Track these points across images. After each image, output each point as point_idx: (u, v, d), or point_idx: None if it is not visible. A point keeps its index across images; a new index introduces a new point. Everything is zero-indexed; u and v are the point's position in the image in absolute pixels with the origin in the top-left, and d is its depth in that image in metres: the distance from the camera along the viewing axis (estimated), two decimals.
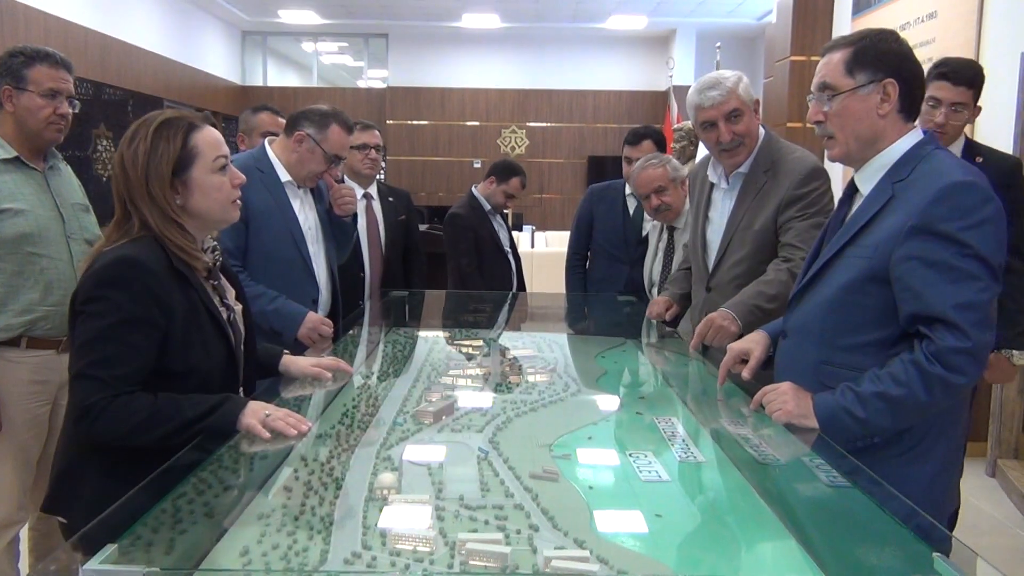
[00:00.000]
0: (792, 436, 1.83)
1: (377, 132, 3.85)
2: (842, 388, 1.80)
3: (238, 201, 1.91)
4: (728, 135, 2.68)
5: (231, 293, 1.99)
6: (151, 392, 1.72)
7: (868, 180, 1.91)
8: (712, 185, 2.87)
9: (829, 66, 1.91)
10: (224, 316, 1.89)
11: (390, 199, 3.97)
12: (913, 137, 1.87)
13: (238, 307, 2.00)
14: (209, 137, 1.83)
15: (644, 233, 3.95)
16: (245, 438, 1.78)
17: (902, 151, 1.86)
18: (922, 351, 1.71)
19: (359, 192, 3.81)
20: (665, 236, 3.51)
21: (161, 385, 1.74)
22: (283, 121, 3.42)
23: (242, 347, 1.97)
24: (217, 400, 1.75)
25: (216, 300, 1.89)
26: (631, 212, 4.03)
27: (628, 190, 4.04)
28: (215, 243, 1.95)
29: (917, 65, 1.89)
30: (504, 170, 4.37)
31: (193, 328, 1.79)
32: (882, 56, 1.85)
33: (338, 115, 2.95)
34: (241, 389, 1.98)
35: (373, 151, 3.77)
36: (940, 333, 1.69)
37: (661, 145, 4.03)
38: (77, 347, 1.70)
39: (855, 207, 1.95)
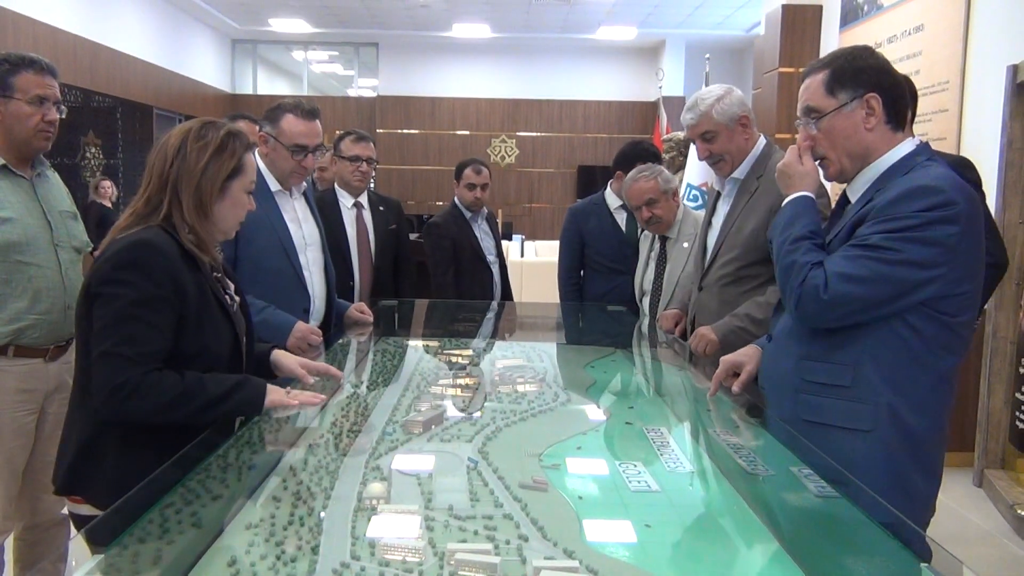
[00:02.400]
0: (782, 446, 1.84)
1: (372, 145, 3.80)
2: (813, 219, 1.97)
3: (240, 224, 2.03)
4: (703, 153, 2.82)
5: (232, 288, 2.08)
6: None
7: (858, 191, 1.93)
8: (719, 193, 2.91)
9: (810, 90, 1.95)
10: (229, 304, 1.98)
11: (381, 208, 3.96)
12: (905, 147, 1.89)
13: (238, 299, 2.08)
14: (252, 161, 2.00)
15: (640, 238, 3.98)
16: (233, 447, 1.78)
17: (891, 161, 1.88)
18: (820, 273, 1.81)
19: (349, 201, 3.80)
20: (657, 246, 3.53)
21: (173, 367, 1.80)
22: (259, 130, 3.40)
23: (244, 337, 2.05)
24: (237, 380, 1.85)
25: (220, 289, 1.98)
26: (623, 225, 4.05)
27: (615, 203, 4.06)
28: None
29: (896, 76, 1.91)
30: (457, 169, 4.41)
31: (204, 312, 1.86)
32: (860, 72, 1.89)
33: (291, 105, 2.89)
34: None
35: (364, 164, 3.75)
36: (820, 272, 1.82)
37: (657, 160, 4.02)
38: (100, 327, 1.74)
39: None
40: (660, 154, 4.20)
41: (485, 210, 4.51)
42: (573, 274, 4.23)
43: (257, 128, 3.41)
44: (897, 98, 1.89)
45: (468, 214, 4.38)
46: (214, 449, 1.74)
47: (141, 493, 1.47)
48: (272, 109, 2.90)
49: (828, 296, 1.78)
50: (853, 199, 1.95)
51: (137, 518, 1.40)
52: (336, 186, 3.84)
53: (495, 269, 4.47)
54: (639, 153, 4.00)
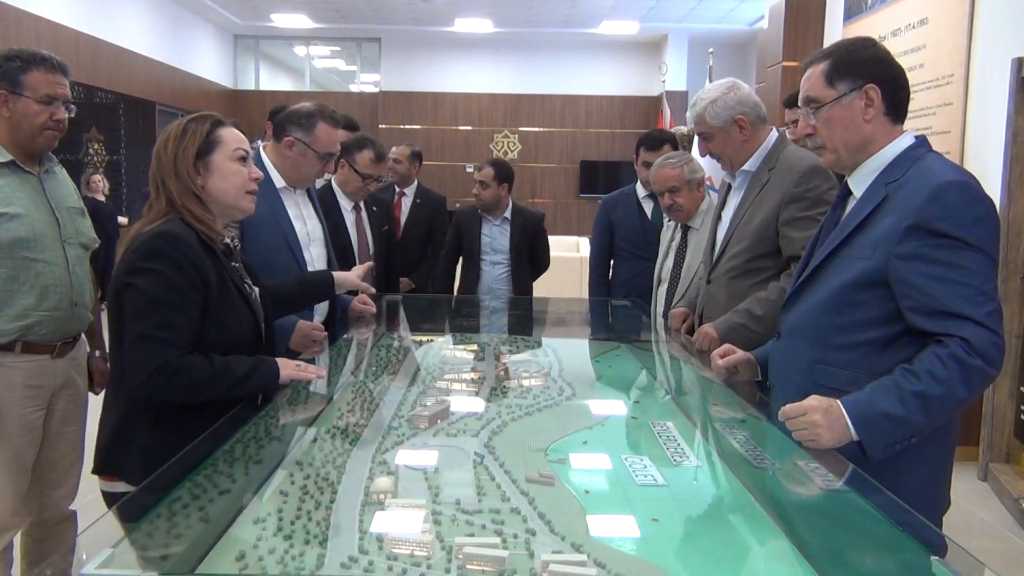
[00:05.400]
0: (788, 439, 1.84)
1: (386, 164, 3.84)
2: (875, 389, 1.74)
3: (253, 194, 2.14)
4: (703, 150, 2.86)
5: (250, 279, 2.20)
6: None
7: (861, 183, 1.93)
8: (729, 186, 2.91)
9: (811, 80, 1.95)
10: (247, 291, 2.13)
11: (374, 208, 4.00)
12: (905, 140, 1.90)
13: (256, 290, 2.20)
14: (233, 132, 2.12)
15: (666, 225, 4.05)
16: (240, 442, 1.79)
17: (895, 153, 1.88)
18: (959, 346, 1.69)
19: (348, 203, 3.81)
20: (678, 235, 3.53)
21: (198, 351, 1.94)
22: None
23: (263, 325, 2.18)
24: (253, 360, 2.03)
25: (239, 278, 2.12)
26: (649, 213, 4.14)
27: (642, 193, 4.12)
28: (235, 233, 2.21)
29: (896, 67, 1.91)
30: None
31: (224, 298, 2.01)
32: (859, 63, 1.89)
33: (323, 112, 2.91)
34: None
35: (374, 183, 3.77)
36: (970, 329, 1.69)
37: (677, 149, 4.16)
38: (134, 313, 1.89)
39: (849, 209, 1.97)
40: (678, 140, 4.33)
41: (508, 213, 4.63)
42: (601, 263, 4.37)
43: None
44: (897, 90, 1.89)
45: (482, 211, 4.60)
46: (226, 440, 1.77)
47: (148, 489, 1.47)
48: (305, 115, 2.87)
49: (1001, 334, 1.71)
50: (856, 191, 1.94)
51: (143, 515, 1.41)
52: (334, 185, 3.84)
53: (487, 267, 4.60)
54: (658, 138, 4.15)
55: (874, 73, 1.88)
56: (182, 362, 1.88)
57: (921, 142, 1.90)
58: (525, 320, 4.23)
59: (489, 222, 4.59)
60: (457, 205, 4.88)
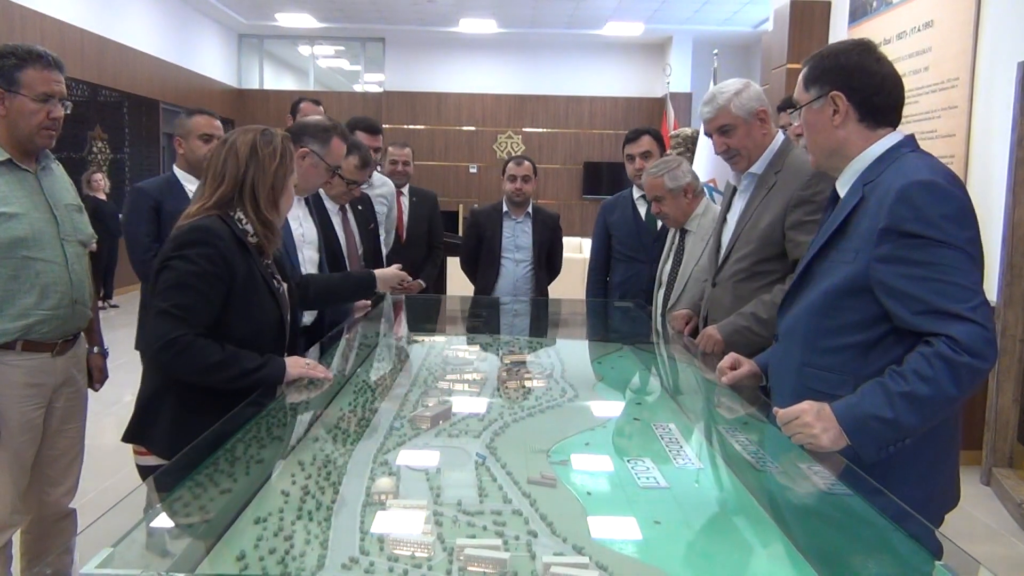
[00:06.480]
0: (791, 442, 1.83)
1: (369, 171, 3.84)
2: (863, 392, 1.74)
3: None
4: (720, 147, 2.79)
5: (279, 276, 2.38)
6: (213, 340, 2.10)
7: (846, 184, 1.93)
8: (735, 188, 2.89)
9: (797, 82, 1.98)
10: (275, 286, 2.30)
11: (359, 208, 4.00)
12: (889, 141, 1.88)
13: (284, 286, 2.38)
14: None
15: (659, 227, 4.03)
16: (242, 441, 1.78)
17: (876, 155, 1.88)
18: (944, 344, 1.66)
19: (335, 207, 3.81)
20: (677, 239, 3.52)
21: (222, 336, 2.11)
22: (218, 123, 3.45)
23: (288, 317, 2.35)
24: (264, 358, 2.16)
25: (269, 274, 2.29)
26: (643, 215, 4.12)
27: (637, 194, 4.11)
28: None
29: (874, 75, 1.87)
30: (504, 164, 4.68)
31: (251, 289, 2.19)
32: (829, 70, 1.90)
33: (337, 127, 2.99)
34: (285, 354, 2.32)
35: (357, 188, 3.79)
36: (956, 326, 1.66)
37: (659, 141, 4.17)
38: (161, 291, 2.08)
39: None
40: (661, 133, 4.35)
41: (530, 209, 4.66)
42: (599, 267, 4.36)
43: (214, 121, 3.46)
44: (871, 96, 1.87)
45: (506, 208, 4.59)
46: (247, 422, 1.84)
47: (151, 486, 1.47)
48: (321, 129, 2.95)
49: (990, 327, 1.67)
50: (842, 193, 1.94)
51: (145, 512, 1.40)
52: (322, 192, 3.83)
53: (510, 266, 4.59)
54: (639, 130, 4.19)
55: (843, 81, 1.87)
56: (193, 341, 2.05)
57: (905, 142, 1.88)
58: (533, 322, 4.23)
59: (511, 220, 4.59)
60: (466, 206, 4.89)
